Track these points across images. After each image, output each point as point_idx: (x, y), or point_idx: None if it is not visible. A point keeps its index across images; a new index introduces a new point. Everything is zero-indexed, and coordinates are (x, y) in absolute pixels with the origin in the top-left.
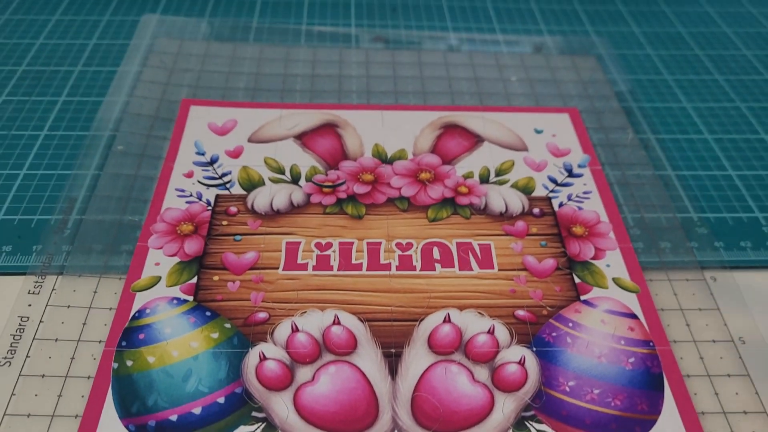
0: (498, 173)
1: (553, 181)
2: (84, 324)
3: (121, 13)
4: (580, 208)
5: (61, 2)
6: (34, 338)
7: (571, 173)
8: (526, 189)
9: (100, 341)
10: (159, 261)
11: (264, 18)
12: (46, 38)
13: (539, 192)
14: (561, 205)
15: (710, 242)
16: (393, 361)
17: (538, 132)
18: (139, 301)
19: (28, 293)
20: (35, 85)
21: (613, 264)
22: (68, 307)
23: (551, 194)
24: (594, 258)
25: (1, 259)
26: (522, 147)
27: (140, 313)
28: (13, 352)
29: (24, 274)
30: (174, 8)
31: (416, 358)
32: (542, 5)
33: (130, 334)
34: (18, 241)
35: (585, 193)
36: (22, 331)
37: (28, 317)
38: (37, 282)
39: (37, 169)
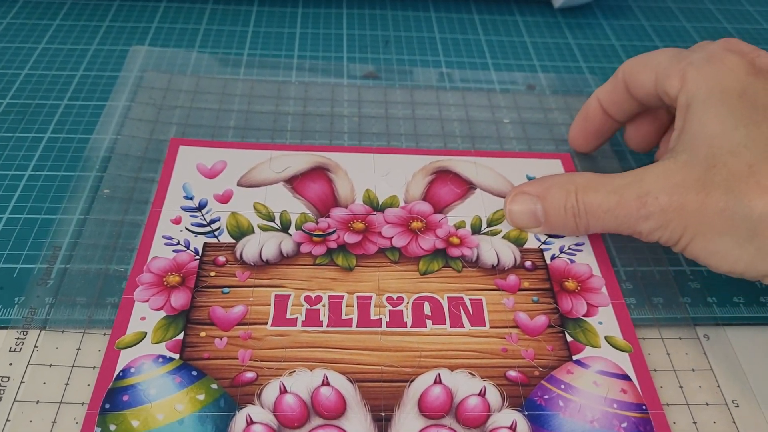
0: (490, 223)
1: None
2: (66, 384)
3: (108, 43)
4: (572, 261)
5: (48, 29)
6: (14, 400)
7: None
8: (518, 240)
9: (83, 403)
10: (145, 315)
11: (255, 49)
12: (32, 68)
13: (531, 243)
14: (553, 257)
15: (703, 297)
16: (383, 425)
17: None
18: (124, 359)
19: (10, 350)
20: (20, 120)
21: (605, 321)
22: (50, 366)
23: (543, 246)
24: (586, 315)
25: None
26: None
27: (124, 372)
28: None
29: (6, 328)
30: (163, 37)
31: (406, 423)
32: (535, 38)
33: (114, 396)
34: (0, 292)
35: (577, 245)
36: (2, 392)
37: (8, 377)
38: (18, 338)
39: (20, 213)
